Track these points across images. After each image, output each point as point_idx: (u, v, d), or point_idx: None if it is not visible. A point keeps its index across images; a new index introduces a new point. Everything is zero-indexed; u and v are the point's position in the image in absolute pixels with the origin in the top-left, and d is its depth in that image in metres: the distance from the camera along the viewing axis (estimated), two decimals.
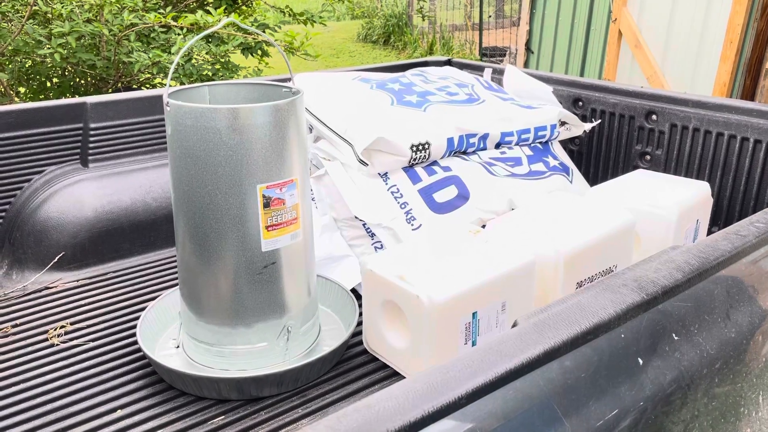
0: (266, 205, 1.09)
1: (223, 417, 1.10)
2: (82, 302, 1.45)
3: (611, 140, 1.91)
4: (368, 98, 1.56)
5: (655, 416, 0.72)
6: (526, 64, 5.09)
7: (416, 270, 1.15)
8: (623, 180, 1.61)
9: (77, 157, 1.70)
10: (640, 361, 0.73)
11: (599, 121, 1.88)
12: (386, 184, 1.48)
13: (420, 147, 1.47)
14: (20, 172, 1.64)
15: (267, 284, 1.13)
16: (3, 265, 1.57)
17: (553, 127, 1.70)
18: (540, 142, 1.71)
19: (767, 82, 3.69)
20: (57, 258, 1.55)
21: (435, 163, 1.52)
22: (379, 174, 1.49)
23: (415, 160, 1.47)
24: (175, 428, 1.07)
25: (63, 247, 1.56)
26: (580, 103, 1.97)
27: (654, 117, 1.80)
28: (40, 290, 1.50)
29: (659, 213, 1.43)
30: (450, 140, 1.52)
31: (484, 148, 1.61)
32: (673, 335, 0.77)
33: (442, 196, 1.45)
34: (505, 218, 1.39)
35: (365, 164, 1.44)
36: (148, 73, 3.06)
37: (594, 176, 1.98)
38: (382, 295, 1.19)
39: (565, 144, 2.01)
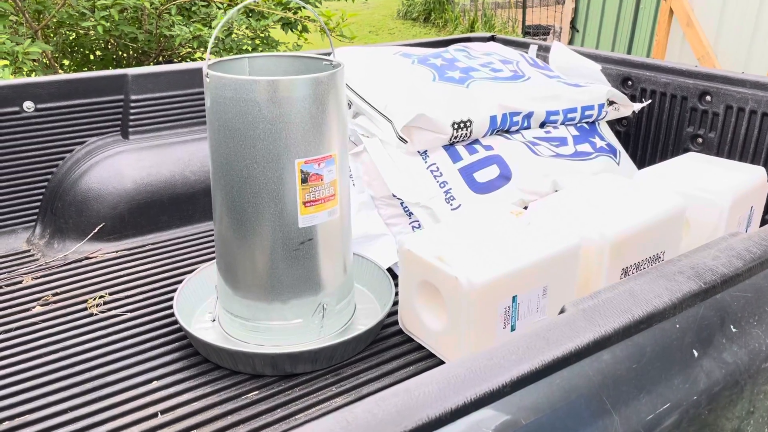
0: (304, 180, 1.07)
1: (257, 392, 1.09)
2: (121, 273, 1.47)
3: (661, 122, 1.83)
4: (409, 74, 1.52)
5: (709, 411, 0.68)
6: (570, 43, 4.95)
7: (455, 251, 1.12)
8: (673, 163, 1.54)
9: (118, 128, 1.71)
10: (695, 353, 0.69)
11: (649, 101, 1.80)
12: (426, 162, 1.44)
13: (461, 125, 1.43)
14: (62, 143, 1.65)
15: (303, 261, 1.12)
16: (45, 234, 1.59)
17: (601, 106, 1.64)
18: (587, 122, 1.65)
19: None
20: (97, 229, 1.56)
21: (477, 141, 1.48)
22: (419, 152, 1.46)
23: (456, 138, 1.43)
24: (210, 401, 1.07)
25: (103, 218, 1.57)
26: (630, 83, 1.89)
27: (708, 98, 1.72)
28: (80, 260, 1.51)
29: (711, 198, 1.37)
30: (493, 118, 1.47)
31: (528, 127, 1.56)
32: (731, 327, 0.72)
33: (483, 175, 1.41)
34: (548, 200, 1.34)
35: (404, 141, 1.40)
36: (189, 47, 3.07)
37: (641, 159, 1.91)
38: (420, 275, 1.16)
39: (612, 125, 1.94)
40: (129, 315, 1.30)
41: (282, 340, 1.16)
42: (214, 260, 1.31)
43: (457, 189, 1.41)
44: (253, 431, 1.01)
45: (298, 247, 1.11)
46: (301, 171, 1.06)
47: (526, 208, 1.39)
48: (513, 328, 1.14)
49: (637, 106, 1.73)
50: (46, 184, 1.64)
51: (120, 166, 1.61)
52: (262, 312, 1.15)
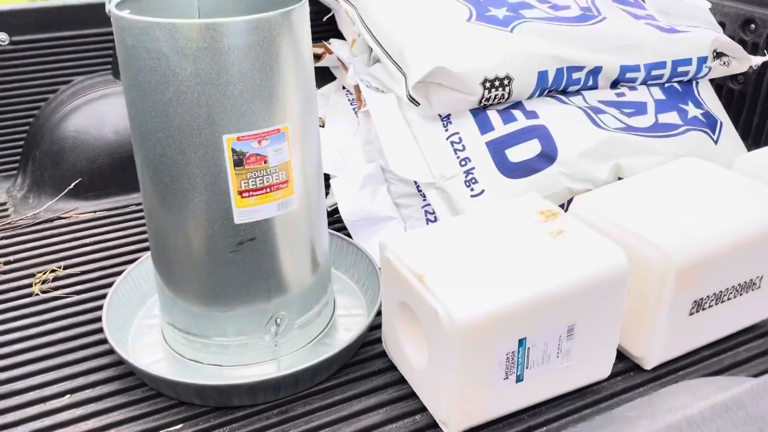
0: (238, 163, 0.79)
1: (180, 425, 0.86)
2: (90, 239, 1.27)
3: None
4: (438, 9, 1.17)
5: None
6: None
7: (445, 269, 0.81)
8: None
9: (109, 67, 1.48)
10: None
11: None
12: (446, 131, 1.11)
13: (496, 83, 1.08)
14: (44, 82, 1.45)
15: (244, 265, 0.85)
16: (24, 186, 1.41)
17: (702, 60, 1.21)
18: (680, 82, 1.23)
19: None
20: (73, 184, 1.37)
21: (518, 105, 1.12)
22: (440, 116, 1.12)
23: (488, 100, 1.09)
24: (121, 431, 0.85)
25: (80, 173, 1.37)
26: (753, 26, 1.43)
27: None
28: (51, 220, 1.33)
29: None
30: (542, 75, 1.11)
31: (595, 87, 1.18)
32: None
33: (517, 153, 1.06)
34: (598, 195, 0.98)
35: (416, 103, 1.07)
36: None
37: (757, 132, 1.46)
38: (399, 294, 0.87)
39: (724, 81, 1.49)
40: (74, 298, 1.10)
41: (224, 359, 0.92)
42: None
43: (481, 169, 1.07)
44: None
45: (236, 249, 0.84)
46: (233, 150, 0.78)
47: (567, 203, 1.04)
48: (519, 379, 0.83)
49: (756, 60, 1.29)
50: (27, 128, 1.45)
51: (102, 111, 1.39)
52: (197, 323, 0.90)
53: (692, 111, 1.18)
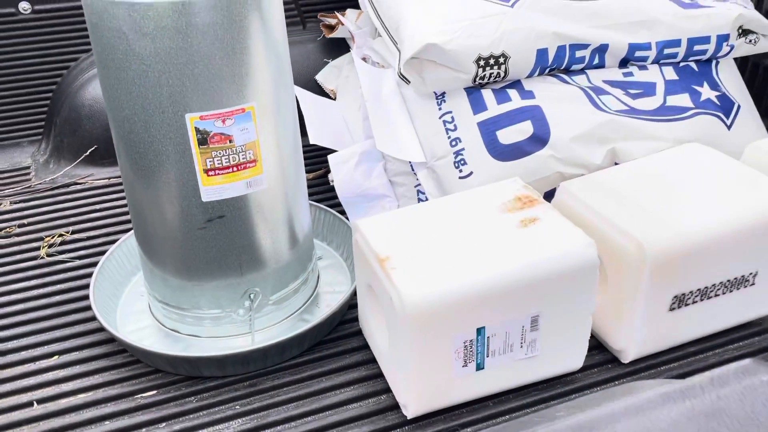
0: (202, 141, 0.80)
1: (153, 392, 0.90)
2: (100, 206, 1.31)
3: None
4: None
5: None
6: None
7: (406, 253, 0.80)
8: None
9: None
10: None
11: None
12: (440, 109, 1.09)
13: (491, 61, 1.04)
14: (67, 50, 1.50)
15: (215, 241, 0.87)
16: (46, 151, 1.48)
17: (723, 38, 1.13)
18: (698, 61, 1.16)
19: None
20: (89, 152, 1.42)
21: (515, 84, 1.08)
22: (435, 94, 1.10)
23: (482, 78, 1.05)
24: (96, 396, 0.89)
25: (96, 140, 1.42)
26: None
27: None
28: (68, 185, 1.38)
29: None
30: (542, 53, 1.06)
31: (601, 66, 1.12)
32: None
33: (508, 135, 1.03)
34: (587, 180, 0.95)
35: (407, 81, 1.05)
36: None
37: None
38: (366, 276, 0.87)
39: (760, 59, 1.40)
40: (77, 263, 1.15)
41: (200, 330, 0.94)
42: None
43: (471, 150, 1.05)
44: None
45: (205, 225, 0.85)
46: (197, 129, 0.79)
47: (551, 192, 1.01)
48: (480, 367, 0.82)
49: None
50: (50, 95, 1.51)
51: None
52: (174, 295, 0.93)
53: (706, 93, 1.11)
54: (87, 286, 1.08)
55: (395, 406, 0.86)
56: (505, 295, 0.78)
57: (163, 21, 0.72)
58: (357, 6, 1.57)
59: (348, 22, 1.39)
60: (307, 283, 1.01)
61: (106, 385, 0.91)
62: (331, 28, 1.52)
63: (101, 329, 1.00)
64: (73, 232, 1.24)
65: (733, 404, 0.37)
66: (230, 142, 0.81)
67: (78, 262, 1.15)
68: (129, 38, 0.73)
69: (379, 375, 0.91)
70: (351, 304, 1.00)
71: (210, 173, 0.82)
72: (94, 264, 1.14)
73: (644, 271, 0.82)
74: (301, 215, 0.96)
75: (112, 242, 1.19)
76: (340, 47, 1.56)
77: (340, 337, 0.99)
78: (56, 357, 0.96)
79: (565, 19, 1.08)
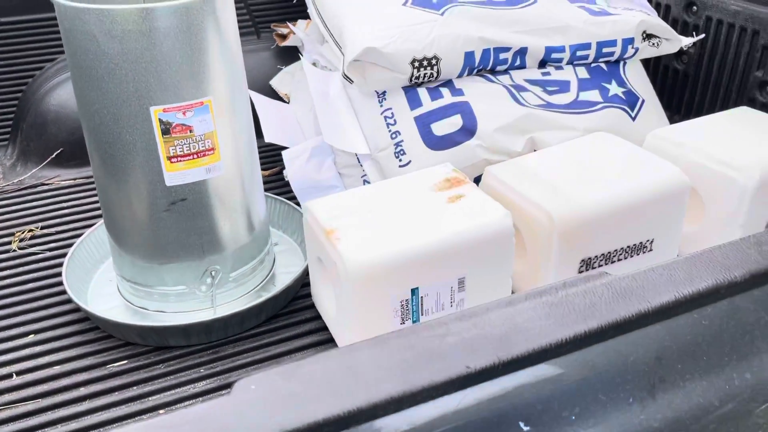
0: (165, 131, 0.90)
1: (124, 362, 0.99)
2: (68, 203, 1.40)
3: (725, 62, 1.44)
4: None
5: None
6: None
7: (349, 227, 0.92)
8: (707, 121, 1.20)
9: None
10: None
11: (702, 36, 1.41)
12: (381, 106, 1.21)
13: (425, 62, 1.17)
14: (32, 59, 1.58)
15: (177, 222, 0.97)
16: (13, 155, 1.55)
17: (628, 42, 1.29)
18: (607, 61, 1.31)
19: None
20: (54, 154, 1.50)
21: (447, 83, 1.21)
22: (377, 93, 1.22)
23: (417, 78, 1.18)
24: (71, 366, 0.98)
25: (61, 143, 1.50)
26: (694, 8, 1.50)
27: None
28: (35, 186, 1.46)
29: (732, 175, 1.04)
30: (469, 55, 1.20)
31: (522, 66, 1.26)
32: None
33: (441, 127, 1.16)
34: (508, 165, 1.08)
35: (350, 81, 1.18)
36: None
37: (699, 107, 1.53)
38: (315, 250, 0.98)
39: (670, 61, 1.57)
40: (47, 254, 1.24)
41: (166, 306, 1.04)
42: None
43: (409, 142, 1.17)
44: (95, 410, 0.91)
45: (169, 208, 0.96)
46: (161, 121, 0.89)
47: (480, 177, 1.14)
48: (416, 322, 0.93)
49: (686, 41, 1.36)
50: (16, 102, 1.58)
51: None
52: (141, 274, 1.02)
53: (614, 89, 1.26)
54: (58, 274, 1.17)
55: None
56: (435, 259, 0.90)
57: (129, 25, 0.83)
58: (307, 16, 1.70)
59: (299, 31, 1.51)
60: (263, 264, 1.11)
61: (79, 357, 1.00)
62: (284, 37, 1.64)
63: (73, 311, 1.09)
64: (43, 227, 1.32)
65: (577, 299, 0.50)
66: (191, 132, 0.91)
67: (48, 254, 1.24)
68: (99, 40, 0.84)
69: (330, 340, 1.02)
70: (304, 283, 1.11)
71: (173, 160, 0.92)
72: (64, 255, 1.23)
73: (553, 238, 0.95)
74: (257, 202, 1.07)
75: (80, 235, 1.28)
76: (292, 55, 1.68)
77: (294, 310, 1.09)
78: (32, 335, 1.05)
79: (489, 25, 1.22)
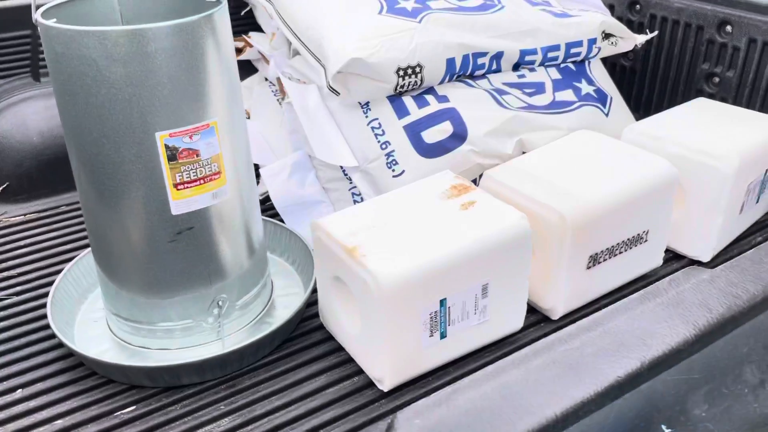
0: (172, 157, 0.85)
1: (133, 407, 0.92)
2: (23, 242, 1.28)
3: (672, 56, 1.53)
4: (351, 4, 1.24)
5: None
6: None
7: (370, 242, 0.90)
8: (674, 114, 1.27)
9: (28, 70, 1.48)
10: None
11: (655, 33, 1.50)
12: (367, 117, 1.20)
13: (409, 71, 1.16)
14: None
15: (184, 253, 0.91)
16: None
17: (592, 42, 1.34)
18: (574, 62, 1.36)
19: None
20: (0, 189, 1.37)
21: (430, 90, 1.21)
22: (360, 104, 1.20)
23: (402, 87, 1.17)
24: (75, 419, 0.90)
25: (7, 177, 1.38)
26: (638, 7, 1.58)
27: (728, 28, 1.41)
28: None
29: (712, 164, 1.10)
30: (450, 61, 1.20)
31: (499, 70, 1.29)
32: None
33: (432, 135, 1.16)
34: (506, 168, 1.10)
35: (336, 93, 1.15)
36: None
37: (648, 101, 1.62)
38: (332, 269, 0.95)
39: (617, 58, 1.64)
40: (15, 299, 1.13)
41: (170, 343, 0.98)
42: None
43: (401, 151, 1.16)
44: None
45: (175, 238, 0.90)
46: (166, 146, 0.84)
47: (479, 178, 1.15)
48: (443, 336, 0.93)
49: (641, 39, 1.43)
50: None
51: (24, 115, 1.40)
52: (142, 311, 0.95)
53: (585, 88, 1.31)
54: (34, 320, 1.08)
55: (370, 384, 0.95)
56: (460, 267, 0.89)
57: (132, 47, 0.77)
58: (257, 29, 1.66)
59: (261, 45, 1.46)
60: (265, 288, 1.07)
61: (82, 408, 0.92)
62: (239, 51, 1.58)
63: (60, 358, 1.00)
64: (1, 270, 1.20)
65: (688, 296, 0.51)
66: (197, 156, 0.86)
67: (16, 298, 1.13)
68: (99, 65, 0.77)
69: (348, 360, 0.99)
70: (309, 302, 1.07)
71: (179, 187, 0.87)
72: (35, 298, 1.13)
73: (567, 237, 0.97)
74: (256, 223, 1.03)
75: (47, 275, 1.19)
76: (246, 69, 1.62)
77: (303, 333, 1.06)
78: (20, 391, 0.95)
79: (465, 31, 1.23)
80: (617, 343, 0.46)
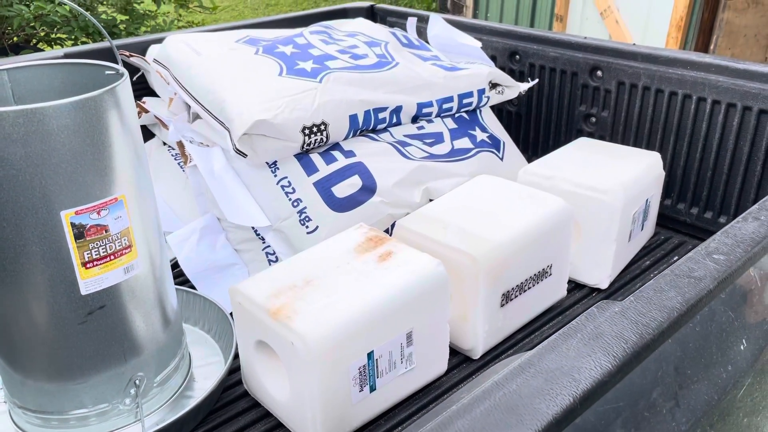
0: (79, 236, 0.81)
1: None
2: None
3: (552, 100, 1.66)
4: (251, 67, 1.26)
5: None
6: (476, 10, 4.75)
7: (292, 303, 0.90)
8: (561, 154, 1.37)
9: None
10: None
11: (536, 80, 1.62)
12: (275, 176, 1.20)
13: (315, 129, 1.19)
14: None
15: (96, 333, 0.87)
16: None
17: (482, 92, 1.43)
18: (467, 111, 1.44)
19: (726, 15, 3.45)
20: None
21: (336, 147, 1.24)
22: (268, 164, 1.21)
23: (309, 145, 1.20)
24: None
25: None
26: (517, 57, 1.70)
27: (599, 73, 1.55)
28: None
29: (601, 198, 1.20)
30: (353, 117, 1.24)
31: (399, 123, 1.34)
32: None
33: (342, 189, 1.18)
34: (416, 216, 1.13)
35: (243, 155, 1.15)
36: (30, 29, 2.66)
37: (534, 142, 1.73)
38: (255, 334, 0.94)
39: (503, 105, 1.75)
40: None
41: (85, 431, 0.91)
42: None
43: (313, 207, 1.18)
44: None
45: (86, 319, 0.85)
46: (73, 225, 0.80)
47: (391, 227, 1.18)
48: (373, 389, 0.93)
49: (524, 86, 1.54)
50: None
51: None
52: (51, 400, 0.89)
53: (480, 135, 1.39)
54: None
55: None
56: (385, 318, 0.91)
57: (32, 126, 0.74)
58: (150, 93, 1.63)
59: (159, 110, 1.44)
60: (183, 360, 1.03)
61: None
62: None
63: None
64: None
65: (606, 327, 0.55)
66: (106, 231, 0.83)
67: None
68: None
69: (277, 426, 0.97)
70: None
71: (88, 265, 0.83)
72: None
73: (480, 278, 1.02)
74: (169, 294, 0.99)
75: None
76: (145, 134, 1.59)
77: (228, 403, 1.02)
78: None
79: (365, 88, 1.27)
80: (550, 381, 0.49)
